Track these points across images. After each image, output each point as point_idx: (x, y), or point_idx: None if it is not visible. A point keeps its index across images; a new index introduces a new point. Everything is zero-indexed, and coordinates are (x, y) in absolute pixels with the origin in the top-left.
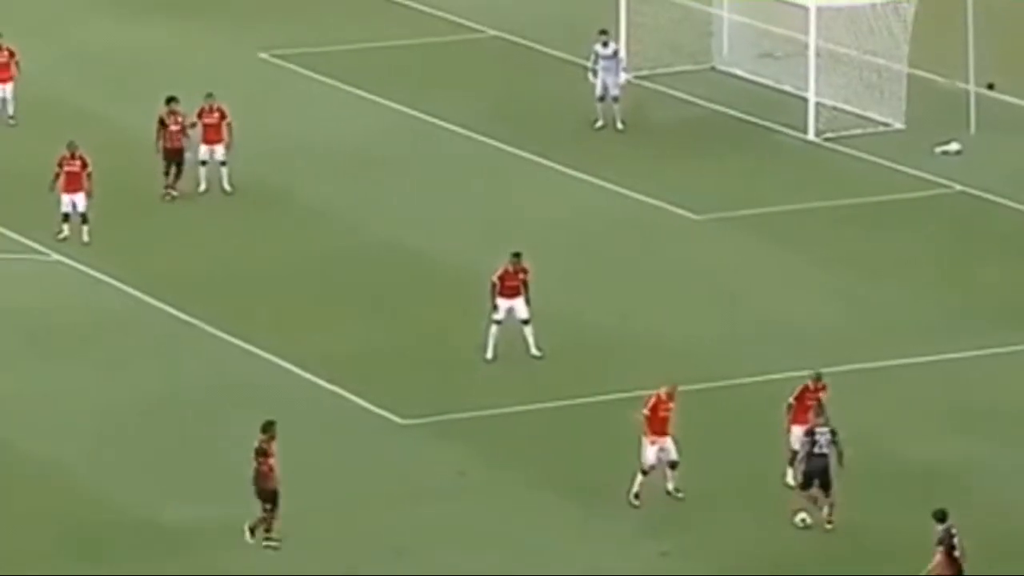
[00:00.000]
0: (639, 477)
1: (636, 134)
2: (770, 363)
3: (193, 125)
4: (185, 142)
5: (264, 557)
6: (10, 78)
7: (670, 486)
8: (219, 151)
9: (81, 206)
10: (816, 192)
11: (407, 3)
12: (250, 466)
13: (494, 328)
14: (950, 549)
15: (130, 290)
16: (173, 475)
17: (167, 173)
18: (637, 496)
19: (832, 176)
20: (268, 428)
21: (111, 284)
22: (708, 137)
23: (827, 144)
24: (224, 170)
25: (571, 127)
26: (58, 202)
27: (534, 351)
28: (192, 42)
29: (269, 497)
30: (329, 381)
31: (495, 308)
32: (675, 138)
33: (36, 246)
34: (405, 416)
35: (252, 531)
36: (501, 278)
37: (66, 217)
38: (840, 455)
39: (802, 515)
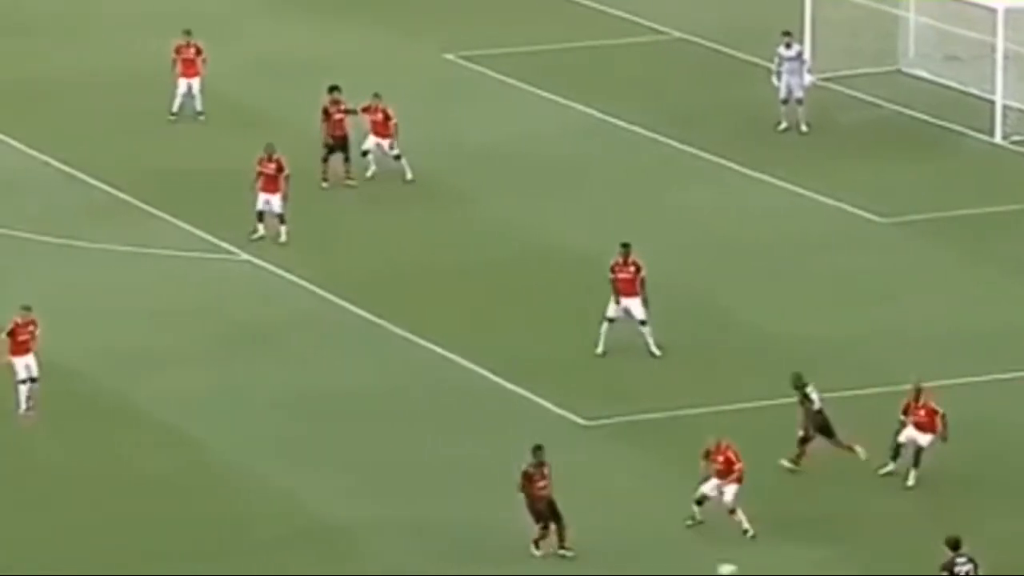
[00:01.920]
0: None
1: (820, 136)
2: (947, 369)
3: (354, 112)
4: (348, 127)
5: (437, 557)
6: (196, 73)
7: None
8: (386, 145)
9: (277, 207)
10: (1002, 196)
11: (593, 5)
12: (519, 484)
13: (605, 325)
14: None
15: (317, 289)
16: (362, 474)
17: (326, 161)
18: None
19: (1019, 180)
20: (538, 452)
21: (298, 283)
22: (893, 140)
23: (1014, 147)
24: (402, 163)
25: (754, 129)
26: (254, 201)
27: (654, 350)
28: (377, 44)
29: (552, 514)
30: (510, 381)
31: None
32: (859, 140)
33: (225, 245)
34: (587, 417)
35: (562, 542)
36: (612, 269)
37: (260, 216)
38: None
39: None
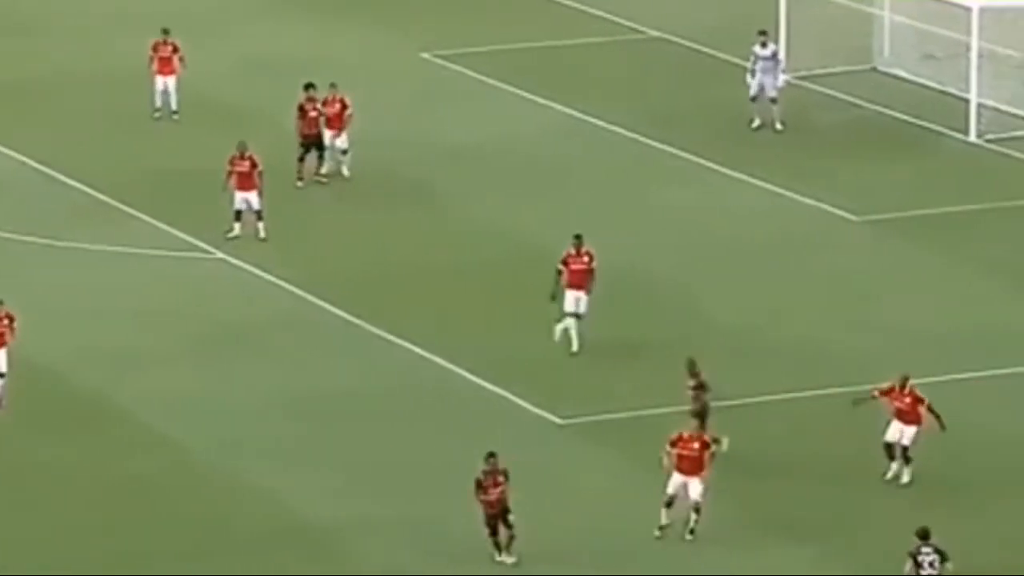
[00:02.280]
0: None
1: (795, 135)
2: (928, 367)
3: (321, 114)
4: (323, 125)
5: (423, 557)
6: (172, 71)
7: (690, 526)
8: (340, 140)
9: (255, 204)
10: (977, 194)
11: (572, 4)
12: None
13: (570, 320)
14: (917, 564)
15: (296, 290)
16: (344, 474)
17: (302, 159)
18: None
19: (993, 178)
20: (490, 459)
21: (277, 284)
22: (868, 138)
23: (989, 146)
24: (345, 158)
25: (733, 129)
26: (231, 199)
27: (574, 348)
28: (354, 42)
29: (503, 521)
30: (488, 381)
31: (553, 297)
32: (835, 139)
33: (204, 245)
34: (565, 417)
35: (500, 549)
36: (565, 262)
37: (238, 215)
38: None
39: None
